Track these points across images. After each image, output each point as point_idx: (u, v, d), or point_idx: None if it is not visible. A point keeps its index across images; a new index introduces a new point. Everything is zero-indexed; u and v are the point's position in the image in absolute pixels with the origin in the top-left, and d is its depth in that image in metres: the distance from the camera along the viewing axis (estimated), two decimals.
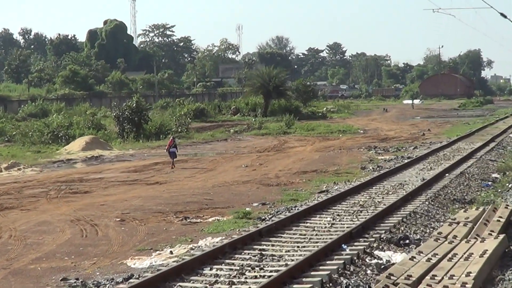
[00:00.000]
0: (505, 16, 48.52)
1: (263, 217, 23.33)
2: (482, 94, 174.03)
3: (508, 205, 22.44)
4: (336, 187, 29.83)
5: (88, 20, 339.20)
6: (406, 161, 38.52)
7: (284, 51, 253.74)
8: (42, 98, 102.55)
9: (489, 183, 31.82)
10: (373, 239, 19.12)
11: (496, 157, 41.77)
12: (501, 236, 18.04)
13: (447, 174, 32.55)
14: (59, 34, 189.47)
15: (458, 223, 19.83)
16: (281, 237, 19.87)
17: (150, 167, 40.37)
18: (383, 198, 26.38)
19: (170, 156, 41.56)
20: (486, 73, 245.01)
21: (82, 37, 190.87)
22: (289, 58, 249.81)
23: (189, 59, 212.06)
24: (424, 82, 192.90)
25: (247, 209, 25.09)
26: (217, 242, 19.42)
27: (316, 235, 20.07)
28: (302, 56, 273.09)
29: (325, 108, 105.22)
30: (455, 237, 18.21)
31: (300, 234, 20.20)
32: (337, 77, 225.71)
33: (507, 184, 31.19)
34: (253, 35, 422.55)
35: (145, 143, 59.00)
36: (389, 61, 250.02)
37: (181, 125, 66.91)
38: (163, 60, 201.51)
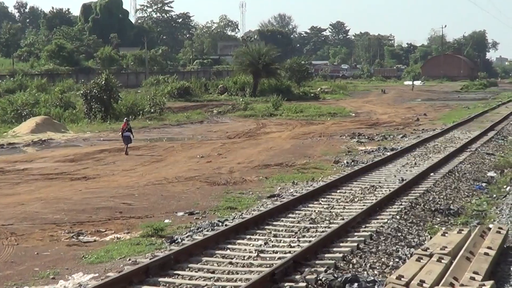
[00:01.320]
0: None
1: (176, 237, 17.39)
2: (486, 76, 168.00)
3: (501, 228, 16.66)
4: (292, 190, 23.92)
5: None
6: (388, 154, 32.57)
7: (286, 29, 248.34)
8: (22, 73, 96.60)
9: (483, 184, 25.99)
10: (304, 284, 13.32)
11: (495, 149, 35.80)
12: (488, 285, 12.35)
13: (432, 174, 26.55)
14: (53, 8, 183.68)
15: (430, 256, 14.03)
16: (178, 276, 13.98)
17: (92, 156, 34.47)
18: (344, 208, 20.53)
19: (123, 141, 36.03)
20: (491, 55, 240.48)
21: (77, 11, 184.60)
22: (291, 36, 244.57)
23: (187, 36, 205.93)
24: (427, 63, 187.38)
25: (166, 220, 19.57)
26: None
27: (230, 272, 14.21)
28: (304, 35, 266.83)
29: (319, 89, 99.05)
30: (421, 284, 12.46)
31: (208, 271, 14.27)
32: (339, 56, 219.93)
33: (505, 187, 25.44)
34: (256, 13, 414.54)
35: (112, 124, 53.11)
36: (392, 41, 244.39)
37: (155, 105, 60.79)
38: (161, 36, 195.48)
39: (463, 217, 20.31)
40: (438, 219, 19.87)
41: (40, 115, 52.40)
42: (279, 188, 24.57)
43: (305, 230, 17.70)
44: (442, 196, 22.84)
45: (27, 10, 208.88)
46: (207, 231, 17.69)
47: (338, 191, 23.20)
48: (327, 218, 18.96)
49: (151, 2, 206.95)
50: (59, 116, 56.51)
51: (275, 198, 22.42)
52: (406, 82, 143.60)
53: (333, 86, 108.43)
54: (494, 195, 23.85)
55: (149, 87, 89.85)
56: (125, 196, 23.00)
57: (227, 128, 50.49)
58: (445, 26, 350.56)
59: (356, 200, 21.67)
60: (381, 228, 17.74)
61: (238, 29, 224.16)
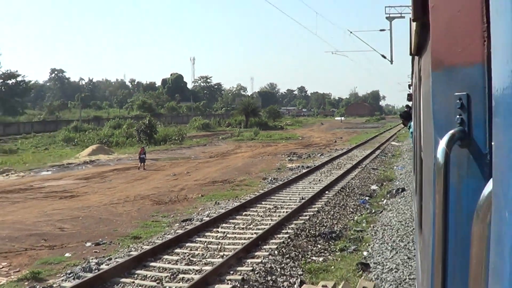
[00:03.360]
0: (384, 57, 33.74)
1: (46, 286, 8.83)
2: (379, 114, 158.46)
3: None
4: (208, 211, 15.08)
5: (163, 72, 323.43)
6: (304, 171, 23.67)
7: (274, 90, 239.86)
8: (119, 117, 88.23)
9: (367, 198, 17.32)
10: None
11: (378, 164, 26.80)
12: None
13: (326, 192, 17.81)
14: (146, 81, 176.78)
15: None
16: None
17: (104, 174, 25.57)
18: (235, 238, 11.82)
19: (140, 161, 28.02)
20: (382, 103, 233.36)
21: (159, 82, 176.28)
22: (277, 94, 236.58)
23: (220, 95, 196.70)
24: (348, 108, 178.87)
25: (67, 254, 10.96)
26: None
27: None
28: (284, 93, 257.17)
29: (284, 123, 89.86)
30: None
31: None
32: (301, 104, 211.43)
33: (383, 200, 16.80)
34: (259, 81, 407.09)
35: (151, 147, 44.65)
36: (330, 96, 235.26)
37: (179, 135, 52.02)
38: (205, 96, 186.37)
39: (342, 240, 11.70)
40: (319, 246, 11.23)
41: (102, 143, 43.97)
42: (201, 208, 15.77)
43: (172, 277, 8.99)
44: (330, 216, 14.12)
45: (135, 83, 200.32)
46: (80, 275, 9.14)
47: (244, 213, 14.45)
48: (207, 256, 10.31)
49: (200, 77, 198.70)
50: (121, 143, 48.18)
51: (188, 222, 13.67)
52: (336, 118, 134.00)
53: (293, 121, 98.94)
54: (374, 210, 15.22)
55: (190, 124, 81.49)
56: (71, 220, 14.21)
57: (216, 149, 41.57)
58: (356, 87, 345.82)
59: (251, 226, 12.95)
60: (250, 272, 9.07)
61: (247, 91, 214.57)
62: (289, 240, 11.29)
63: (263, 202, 15.98)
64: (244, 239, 11.42)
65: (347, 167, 24.59)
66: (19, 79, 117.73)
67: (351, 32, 34.66)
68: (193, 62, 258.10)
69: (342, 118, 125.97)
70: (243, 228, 12.58)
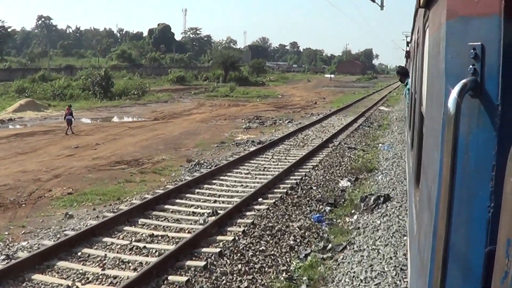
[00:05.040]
0: (373, 1, 26.02)
1: None
2: (371, 73, 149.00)
3: None
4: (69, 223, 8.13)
5: (153, 23, 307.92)
6: (252, 149, 16.54)
7: (266, 45, 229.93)
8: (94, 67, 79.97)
9: (327, 209, 10.38)
10: None
11: (358, 140, 19.60)
12: None
13: (263, 195, 10.72)
14: (133, 31, 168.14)
15: None
16: None
17: (11, 137, 18.63)
18: None
19: (66, 123, 21.49)
20: (375, 62, 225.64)
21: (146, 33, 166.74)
22: (268, 49, 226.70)
23: (210, 48, 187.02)
24: (339, 65, 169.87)
25: None
26: None
27: None
28: (276, 47, 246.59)
29: (268, 78, 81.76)
30: None
31: None
32: (292, 60, 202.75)
33: (351, 216, 9.96)
34: (251, 36, 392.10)
35: (103, 103, 37.50)
36: (323, 52, 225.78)
37: (138, 88, 44.24)
38: (194, 48, 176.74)
39: None
40: None
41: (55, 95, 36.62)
42: (65, 211, 8.80)
43: None
44: (244, 261, 7.25)
45: (123, 32, 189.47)
46: None
47: (109, 236, 7.56)
48: None
49: (189, 29, 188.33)
50: (75, 96, 40.80)
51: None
52: (326, 75, 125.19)
53: (278, 77, 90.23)
54: (331, 245, 8.33)
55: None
56: None
57: (172, 108, 33.97)
58: (348, 44, 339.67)
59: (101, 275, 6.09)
60: None
61: (237, 44, 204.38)
62: None
63: (148, 218, 8.96)
64: None
65: (314, 145, 17.58)
66: None
67: None
68: (185, 13, 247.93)
69: (332, 75, 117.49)
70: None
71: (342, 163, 14.86)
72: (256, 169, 13.56)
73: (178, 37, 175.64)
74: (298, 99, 46.43)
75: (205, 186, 11.46)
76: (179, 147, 17.39)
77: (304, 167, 13.94)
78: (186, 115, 28.90)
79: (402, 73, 13.07)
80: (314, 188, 11.86)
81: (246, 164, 14.11)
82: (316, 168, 13.83)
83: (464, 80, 1.25)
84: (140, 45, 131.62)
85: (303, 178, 12.60)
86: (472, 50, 1.24)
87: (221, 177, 12.40)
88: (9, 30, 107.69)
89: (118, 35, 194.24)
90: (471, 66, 1.25)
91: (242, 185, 11.71)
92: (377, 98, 46.72)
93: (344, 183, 12.65)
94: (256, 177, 12.59)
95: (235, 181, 12.11)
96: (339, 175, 13.44)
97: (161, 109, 32.55)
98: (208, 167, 13.71)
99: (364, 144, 18.94)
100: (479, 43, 1.24)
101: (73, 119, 21.84)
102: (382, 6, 26.69)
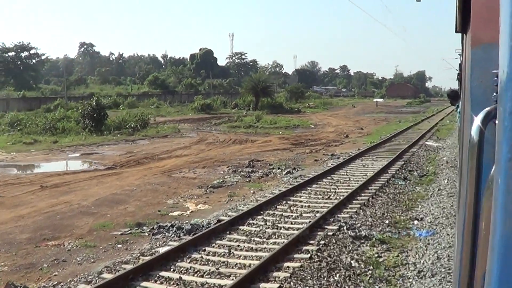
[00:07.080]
0: None
1: None
2: (424, 96, 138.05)
3: None
4: None
5: (193, 47, 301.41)
6: (161, 250, 9.01)
7: (315, 69, 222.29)
8: (121, 94, 74.86)
9: None
10: None
11: (381, 211, 11.61)
12: None
13: None
14: (175, 56, 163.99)
15: None
16: None
17: None
18: None
19: None
20: (428, 84, 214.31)
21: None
22: (318, 73, 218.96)
23: (255, 73, 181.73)
24: (389, 88, 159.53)
25: None
26: None
27: None
28: (326, 71, 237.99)
29: (306, 105, 73.58)
30: None
31: None
32: (342, 84, 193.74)
33: None
34: (301, 59, 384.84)
35: (94, 138, 30.98)
36: (374, 76, 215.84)
37: (138, 120, 37.52)
38: (240, 74, 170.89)
39: None
40: None
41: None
42: None
43: None
44: None
45: (167, 58, 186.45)
46: None
47: None
48: None
49: (234, 53, 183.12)
50: (68, 129, 34.72)
51: None
52: (375, 99, 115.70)
53: (319, 103, 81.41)
54: None
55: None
56: None
57: (156, 147, 26.09)
58: (397, 66, 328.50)
59: None
60: None
61: (283, 68, 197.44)
62: None
63: None
64: None
65: (290, 233, 9.79)
66: (32, 52, 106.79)
67: None
68: (231, 38, 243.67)
69: (380, 100, 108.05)
70: None
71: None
72: None
73: (222, 62, 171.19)
74: (331, 129, 38.49)
75: None
76: (57, 234, 9.93)
77: None
78: (160, 159, 21.46)
79: (453, 96, 12.79)
80: None
81: None
82: None
83: (488, 108, 1.24)
84: (179, 71, 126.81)
85: None
86: (495, 78, 1.22)
87: None
88: (43, 57, 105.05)
89: (162, 61, 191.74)
90: (495, 94, 1.23)
91: None
92: (426, 127, 37.89)
93: None
94: None
95: None
96: None
97: (140, 149, 25.34)
98: None
99: (387, 223, 10.89)
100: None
101: None
102: None
